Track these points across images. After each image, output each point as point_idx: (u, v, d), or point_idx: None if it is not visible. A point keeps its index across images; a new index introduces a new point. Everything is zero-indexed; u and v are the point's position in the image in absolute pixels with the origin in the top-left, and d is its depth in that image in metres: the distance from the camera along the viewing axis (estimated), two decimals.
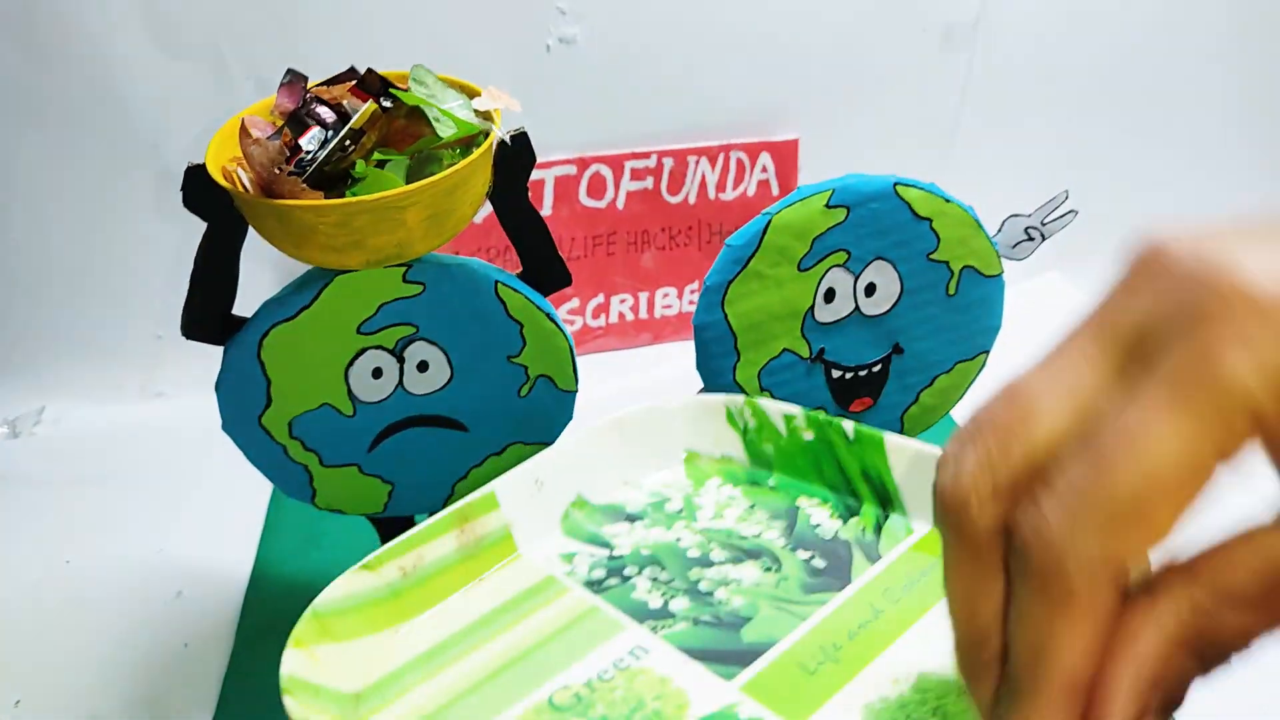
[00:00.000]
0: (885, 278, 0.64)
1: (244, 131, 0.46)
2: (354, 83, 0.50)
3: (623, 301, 0.98)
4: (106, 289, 0.91)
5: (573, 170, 0.91)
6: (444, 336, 0.57)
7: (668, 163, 0.93)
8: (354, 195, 0.47)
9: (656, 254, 0.96)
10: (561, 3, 0.86)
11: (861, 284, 0.64)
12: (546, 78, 0.88)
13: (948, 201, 0.63)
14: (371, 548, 0.72)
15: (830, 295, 0.64)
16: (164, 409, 0.93)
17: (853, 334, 0.65)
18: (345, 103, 0.49)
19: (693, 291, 0.99)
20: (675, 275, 0.97)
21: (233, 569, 0.74)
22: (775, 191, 0.95)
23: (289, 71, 0.50)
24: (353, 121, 0.47)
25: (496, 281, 0.57)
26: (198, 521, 0.79)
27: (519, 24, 0.86)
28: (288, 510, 0.78)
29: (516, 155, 0.52)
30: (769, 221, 0.61)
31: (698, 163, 0.93)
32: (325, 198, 0.46)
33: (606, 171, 0.92)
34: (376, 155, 0.50)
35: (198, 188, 0.49)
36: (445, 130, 0.49)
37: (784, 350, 0.65)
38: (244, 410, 0.57)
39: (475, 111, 0.50)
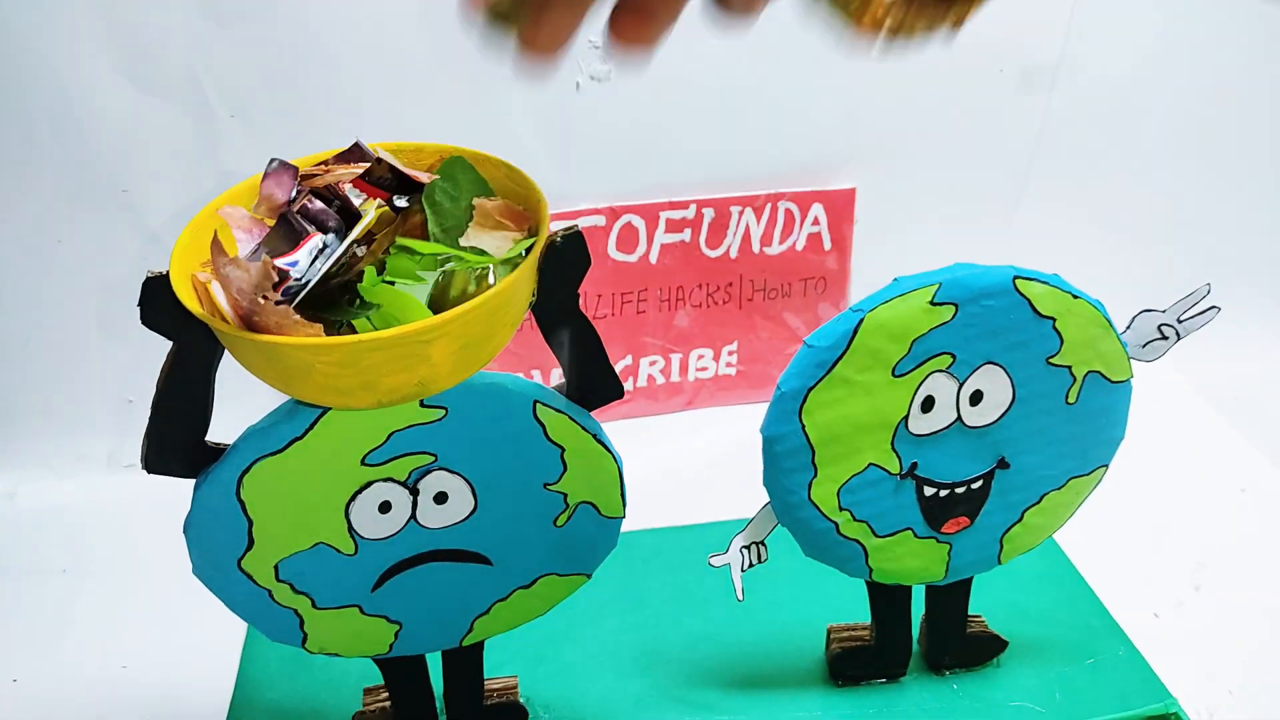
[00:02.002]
0: (994, 384, 0.53)
1: (217, 248, 0.35)
2: (359, 173, 0.39)
3: (653, 364, 0.87)
4: (68, 345, 0.79)
5: (601, 221, 0.81)
6: (468, 465, 0.47)
7: (708, 213, 0.82)
8: (362, 322, 0.36)
9: (692, 312, 0.86)
10: (594, 35, 0.75)
11: (966, 391, 0.53)
12: (575, 118, 0.78)
13: (1075, 298, 0.52)
14: (367, 671, 0.62)
15: (929, 404, 0.53)
16: (135, 482, 0.81)
17: (952, 447, 0.55)
18: (349, 191, 0.39)
19: (730, 353, 0.88)
20: (712, 336, 0.87)
21: (207, 697, 0.64)
22: (827, 246, 0.84)
23: (274, 160, 0.39)
24: (357, 231, 0.37)
25: (535, 402, 0.46)
26: (169, 629, 0.68)
27: None
28: None
29: (568, 258, 0.41)
30: (861, 320, 0.51)
31: (741, 214, 0.83)
32: (326, 329, 0.36)
33: (639, 222, 0.82)
34: (394, 254, 0.40)
35: (158, 304, 0.38)
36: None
37: (869, 465, 0.55)
38: (220, 553, 0.46)
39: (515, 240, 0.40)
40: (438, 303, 0.39)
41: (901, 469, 0.55)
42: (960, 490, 0.56)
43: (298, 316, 0.34)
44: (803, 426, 0.53)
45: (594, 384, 0.47)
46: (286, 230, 0.37)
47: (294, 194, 0.38)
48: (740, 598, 0.58)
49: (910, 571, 0.59)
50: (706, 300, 0.86)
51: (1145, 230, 0.90)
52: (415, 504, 0.47)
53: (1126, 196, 0.89)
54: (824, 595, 0.69)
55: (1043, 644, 0.67)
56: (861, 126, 0.81)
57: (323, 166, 0.40)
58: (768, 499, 0.56)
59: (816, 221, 0.83)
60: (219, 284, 0.36)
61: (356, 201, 0.38)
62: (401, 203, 0.39)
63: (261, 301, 0.34)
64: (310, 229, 0.37)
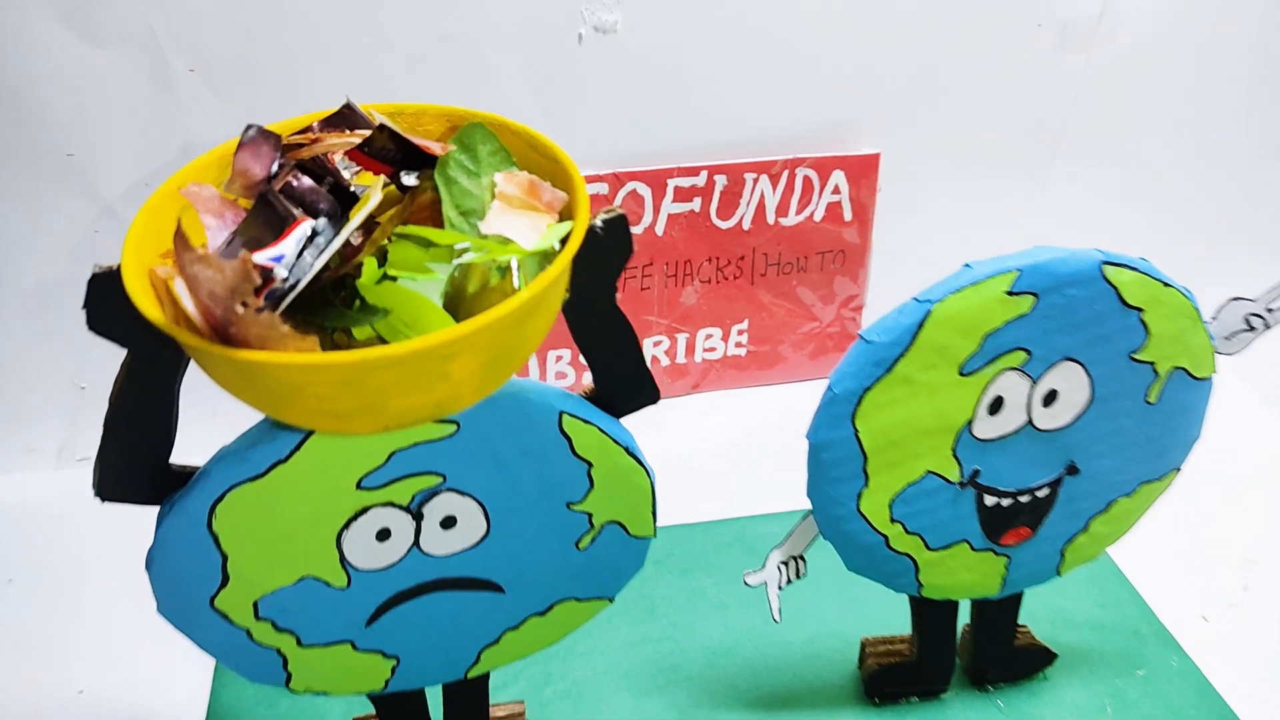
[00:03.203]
0: (1071, 383, 0.47)
1: (181, 240, 0.28)
2: (356, 143, 0.32)
3: (658, 344, 0.81)
4: (10, 325, 0.71)
5: (604, 189, 0.74)
6: (481, 487, 0.40)
7: (720, 180, 0.75)
8: (364, 330, 0.29)
9: (700, 288, 0.79)
10: None
11: (1039, 391, 0.47)
12: (576, 74, 0.70)
13: (1166, 286, 0.46)
14: (353, 700, 0.56)
15: (997, 405, 0.47)
16: (89, 479, 0.74)
17: (1019, 452, 0.49)
18: (341, 164, 0.31)
19: (740, 332, 0.82)
20: (721, 314, 0.80)
21: None
22: (848, 216, 0.78)
23: (252, 127, 0.32)
24: (359, 216, 0.29)
25: (561, 413, 0.39)
26: (132, 648, 0.61)
27: (545, 7, 0.67)
28: None
29: (609, 247, 0.34)
30: (928, 312, 0.44)
31: (756, 181, 0.76)
32: (322, 341, 0.28)
33: (645, 190, 0.75)
34: (397, 243, 0.32)
35: (109, 307, 0.31)
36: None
37: (927, 473, 0.49)
38: (190, 591, 0.40)
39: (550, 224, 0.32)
40: (453, 303, 0.32)
41: (962, 477, 0.49)
42: (1024, 499, 0.51)
43: (286, 327, 0.27)
44: (855, 432, 0.46)
45: (628, 387, 0.41)
46: (267, 214, 0.30)
47: (275, 168, 0.31)
48: (777, 619, 0.52)
49: (963, 586, 0.54)
50: (716, 275, 0.79)
51: (1186, 199, 0.84)
52: (419, 530, 0.41)
53: (1167, 162, 0.83)
54: (857, 603, 0.64)
55: (1090, 653, 0.62)
56: (886, 86, 0.74)
57: (308, 134, 0.33)
58: (809, 508, 0.50)
59: (837, 190, 0.77)
60: (184, 284, 0.28)
61: (351, 177, 0.31)
62: (410, 180, 0.32)
63: (240, 310, 0.27)
64: (297, 212, 0.30)
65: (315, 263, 0.29)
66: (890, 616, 0.62)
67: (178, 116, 0.65)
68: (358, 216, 0.29)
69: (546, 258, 0.32)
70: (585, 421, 0.40)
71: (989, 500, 0.50)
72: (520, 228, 0.32)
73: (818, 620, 0.63)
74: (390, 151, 0.32)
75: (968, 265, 0.45)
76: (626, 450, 0.41)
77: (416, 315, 0.30)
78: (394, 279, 0.31)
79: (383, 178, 0.32)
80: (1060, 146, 0.80)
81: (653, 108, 0.72)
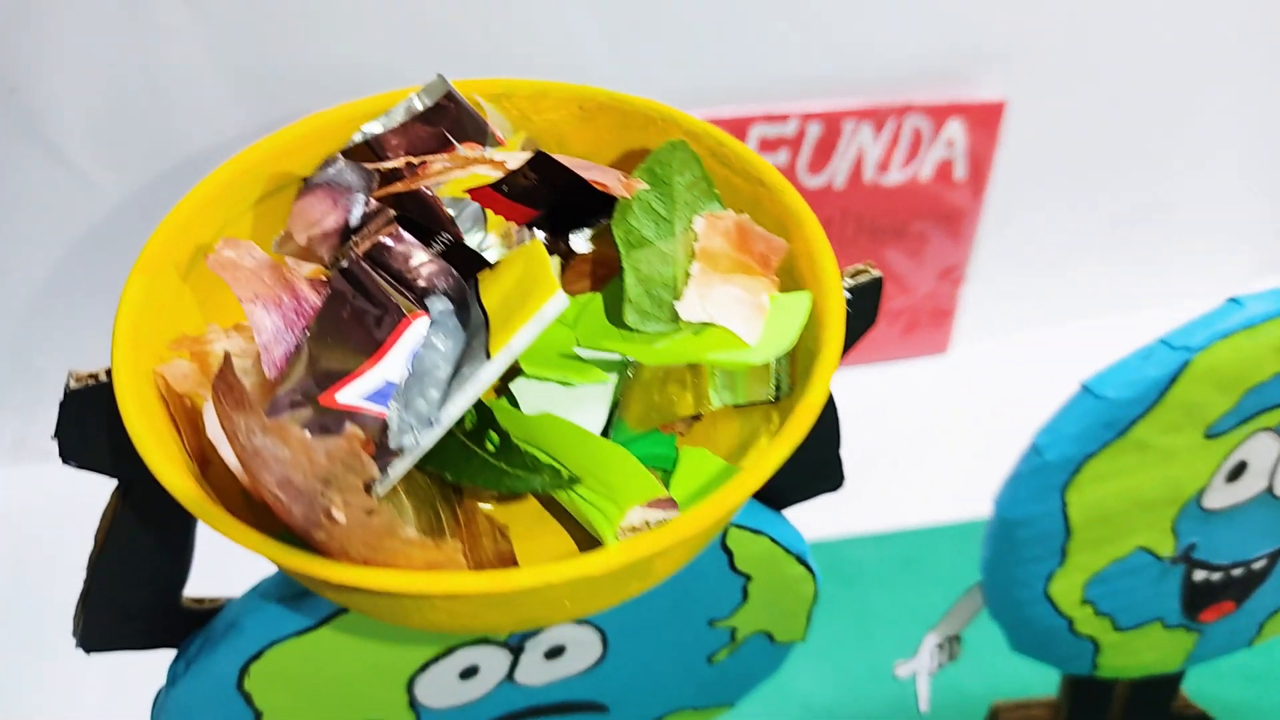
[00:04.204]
0: None
1: (227, 388, 0.16)
2: (486, 173, 0.20)
3: None
4: None
5: None
6: (605, 613, 0.29)
7: (813, 129, 0.63)
8: (526, 510, 0.18)
9: None
10: None
11: None
12: (641, 3, 0.57)
13: None
14: None
15: (1238, 471, 0.37)
16: (48, 477, 0.62)
17: (1245, 521, 0.39)
18: (446, 202, 0.19)
19: None
20: None
21: None
22: (960, 175, 0.66)
23: (335, 163, 0.19)
24: (521, 333, 0.18)
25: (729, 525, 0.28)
26: (95, 677, 0.52)
27: None
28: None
29: (851, 323, 0.23)
30: (1186, 363, 0.34)
31: (856, 130, 0.63)
32: (419, 493, 0.17)
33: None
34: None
35: (91, 432, 0.19)
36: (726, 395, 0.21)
37: (1137, 549, 0.38)
38: None
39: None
40: (622, 414, 0.21)
41: (1176, 552, 0.39)
42: (1236, 573, 0.41)
43: (412, 531, 0.16)
44: (1064, 506, 0.36)
45: (812, 476, 0.30)
46: (355, 305, 0.18)
47: (360, 216, 0.19)
48: (924, 708, 0.43)
49: (1143, 665, 0.44)
50: None
51: None
52: (515, 664, 0.30)
53: None
54: (983, 658, 0.54)
55: (1249, 712, 0.53)
56: (1021, 16, 0.61)
57: (405, 160, 0.20)
58: (975, 584, 0.40)
59: (951, 144, 0.65)
60: (235, 456, 0.17)
61: (471, 233, 0.19)
62: (582, 244, 0.20)
63: (340, 518, 0.16)
64: (402, 301, 0.18)
65: (447, 408, 0.17)
66: (1025, 675, 0.52)
67: (140, 41, 0.51)
68: (525, 330, 0.17)
69: (781, 363, 0.21)
70: (755, 532, 0.29)
71: (1198, 575, 0.41)
72: (733, 307, 0.20)
73: (937, 679, 0.54)
74: (538, 189, 0.20)
75: (1235, 301, 0.34)
76: (798, 559, 0.31)
77: (598, 471, 0.19)
78: (537, 379, 0.20)
79: (530, 232, 0.20)
80: (1225, 103, 0.68)
81: (735, 38, 0.60)
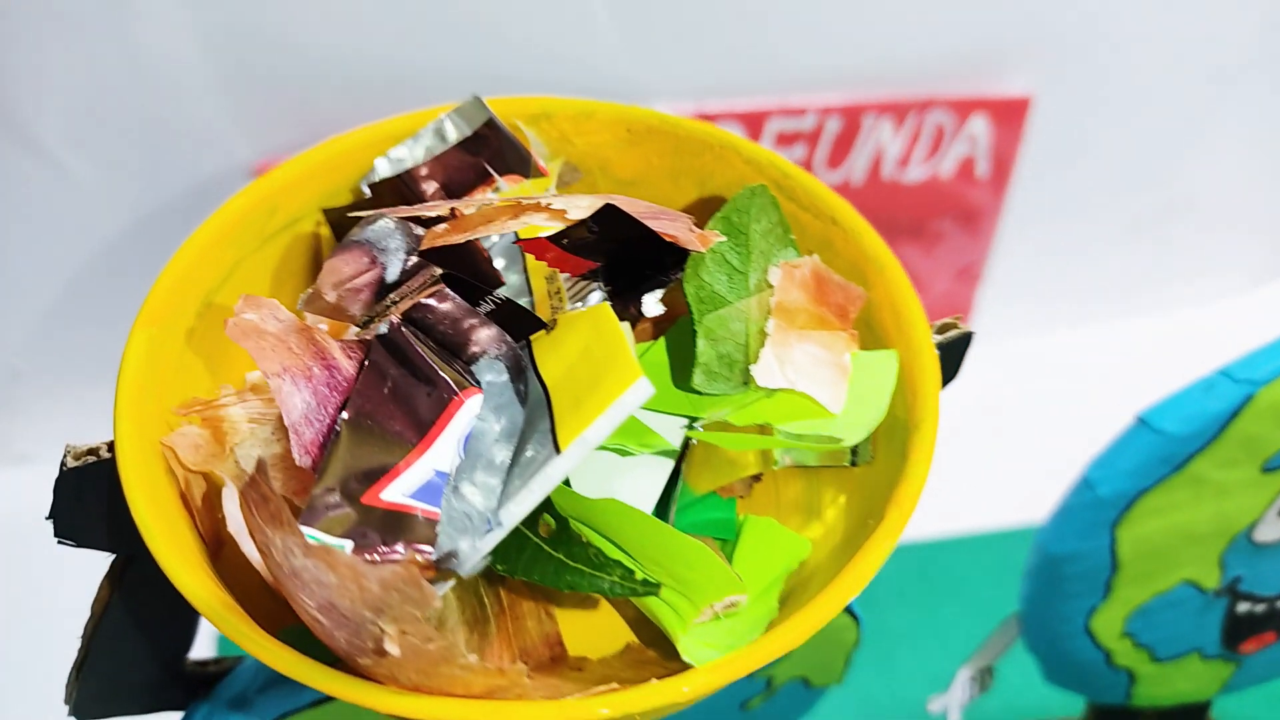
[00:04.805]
0: None
1: (260, 497, 0.14)
2: (539, 227, 0.17)
3: None
4: None
5: None
6: None
7: (831, 124, 0.61)
8: (603, 621, 0.16)
9: None
10: None
11: None
12: None
13: None
14: None
15: None
16: (26, 479, 0.60)
17: None
18: (491, 251, 0.17)
19: None
20: None
21: None
22: (982, 173, 0.64)
23: (382, 221, 0.17)
24: (604, 420, 0.15)
25: None
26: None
27: None
28: None
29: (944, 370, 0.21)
30: (1250, 396, 0.32)
31: (875, 124, 0.61)
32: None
33: (738, 134, 0.60)
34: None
35: (90, 508, 0.17)
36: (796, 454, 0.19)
37: (1182, 582, 0.37)
38: None
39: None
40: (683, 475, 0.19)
41: (1221, 584, 0.37)
42: None
43: (471, 659, 0.14)
44: (1113, 542, 0.34)
45: None
46: (398, 379, 0.15)
47: (400, 272, 0.17)
48: None
49: (1178, 694, 0.43)
50: None
51: None
52: None
53: None
54: (1006, 680, 0.52)
55: None
56: (1049, 6, 0.59)
57: (449, 206, 0.18)
58: (1011, 615, 0.39)
59: (973, 140, 0.62)
60: (266, 568, 0.15)
61: (507, 274, 0.17)
62: (655, 306, 0.18)
63: (393, 650, 0.14)
64: (449, 375, 0.16)
65: (509, 506, 0.15)
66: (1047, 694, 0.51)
67: (126, 24, 0.48)
68: (601, 421, 0.15)
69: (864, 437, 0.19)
70: None
71: (1241, 607, 0.39)
72: (813, 369, 0.18)
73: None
74: (599, 241, 0.18)
75: None
76: (846, 609, 0.29)
77: (657, 546, 0.17)
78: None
79: (590, 288, 0.18)
80: (1251, 100, 0.66)
81: (752, 27, 0.57)
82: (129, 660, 0.22)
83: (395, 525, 0.16)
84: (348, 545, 0.15)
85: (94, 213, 0.55)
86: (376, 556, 0.15)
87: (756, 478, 0.22)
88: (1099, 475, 0.33)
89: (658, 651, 0.19)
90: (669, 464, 0.19)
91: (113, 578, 0.21)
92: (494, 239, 0.20)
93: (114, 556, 0.20)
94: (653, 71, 0.59)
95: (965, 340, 0.21)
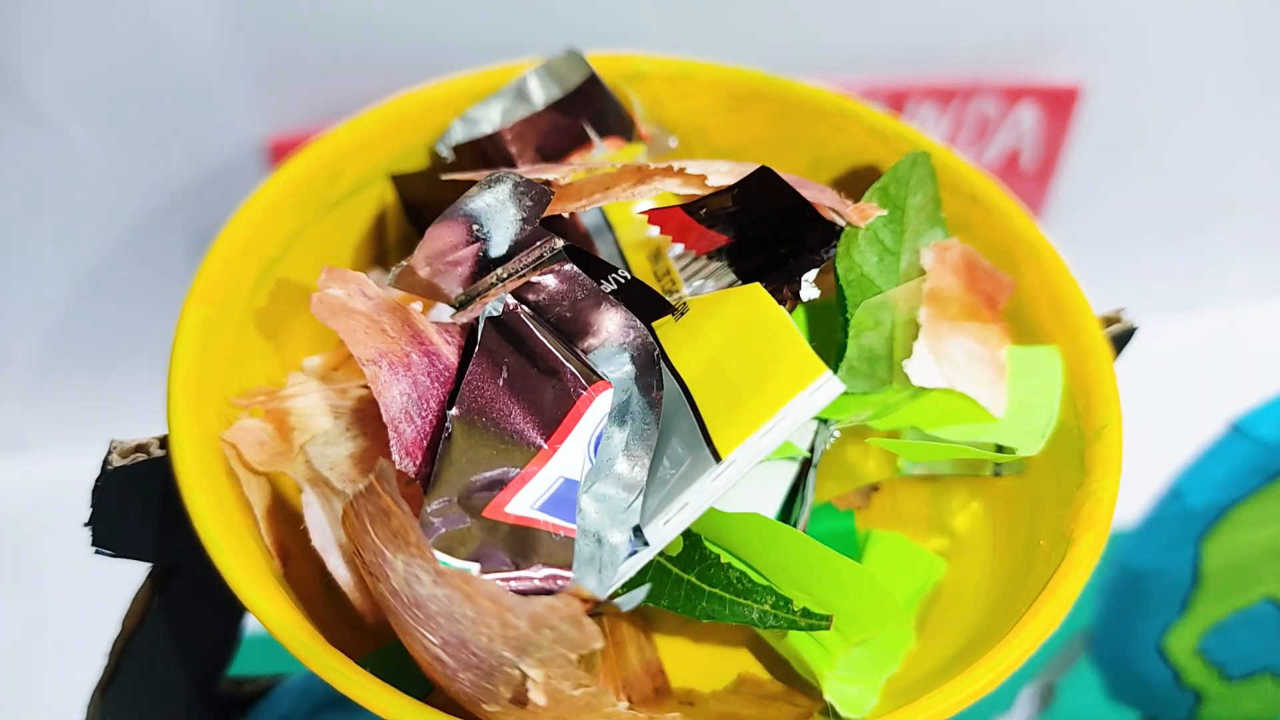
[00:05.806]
0: None
1: (376, 506, 0.11)
2: (672, 196, 0.15)
3: None
4: None
5: None
6: None
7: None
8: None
9: None
10: None
11: None
12: None
13: None
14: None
15: None
16: (28, 469, 0.57)
17: None
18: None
19: None
20: None
21: None
22: (1026, 164, 0.61)
23: (504, 178, 0.14)
24: (762, 438, 0.13)
25: None
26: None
27: None
28: None
29: None
30: None
31: (918, 110, 0.59)
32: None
33: None
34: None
35: (125, 516, 0.15)
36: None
37: (1262, 599, 0.35)
38: None
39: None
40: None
41: None
42: None
43: (622, 708, 0.12)
44: (1198, 556, 0.32)
45: None
46: (514, 366, 0.13)
47: (510, 243, 0.14)
48: None
49: (1244, 716, 0.41)
50: None
51: None
52: None
53: None
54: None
55: None
56: None
57: (565, 168, 0.15)
58: (1076, 631, 0.36)
59: (1018, 130, 0.60)
60: (374, 593, 0.12)
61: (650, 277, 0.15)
62: (809, 289, 0.16)
63: (540, 697, 0.11)
64: (574, 359, 0.13)
65: (657, 526, 0.13)
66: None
67: None
68: (778, 420, 0.13)
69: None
70: None
71: None
72: (972, 366, 0.16)
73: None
74: (733, 214, 0.15)
75: None
76: None
77: (803, 568, 0.14)
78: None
79: (723, 274, 0.16)
80: None
81: (777, 9, 0.54)
82: (161, 679, 0.20)
83: (525, 543, 0.13)
84: (473, 568, 0.13)
85: (96, 188, 0.53)
86: (514, 583, 0.13)
87: (875, 487, 0.20)
88: (1190, 485, 0.31)
89: (781, 684, 0.17)
90: (791, 469, 0.16)
91: (153, 588, 0.18)
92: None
93: (151, 564, 0.18)
94: (690, 51, 0.57)
95: (1127, 336, 0.19)
